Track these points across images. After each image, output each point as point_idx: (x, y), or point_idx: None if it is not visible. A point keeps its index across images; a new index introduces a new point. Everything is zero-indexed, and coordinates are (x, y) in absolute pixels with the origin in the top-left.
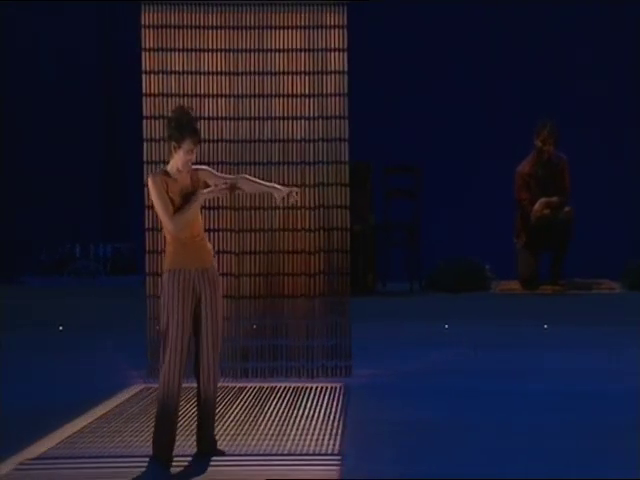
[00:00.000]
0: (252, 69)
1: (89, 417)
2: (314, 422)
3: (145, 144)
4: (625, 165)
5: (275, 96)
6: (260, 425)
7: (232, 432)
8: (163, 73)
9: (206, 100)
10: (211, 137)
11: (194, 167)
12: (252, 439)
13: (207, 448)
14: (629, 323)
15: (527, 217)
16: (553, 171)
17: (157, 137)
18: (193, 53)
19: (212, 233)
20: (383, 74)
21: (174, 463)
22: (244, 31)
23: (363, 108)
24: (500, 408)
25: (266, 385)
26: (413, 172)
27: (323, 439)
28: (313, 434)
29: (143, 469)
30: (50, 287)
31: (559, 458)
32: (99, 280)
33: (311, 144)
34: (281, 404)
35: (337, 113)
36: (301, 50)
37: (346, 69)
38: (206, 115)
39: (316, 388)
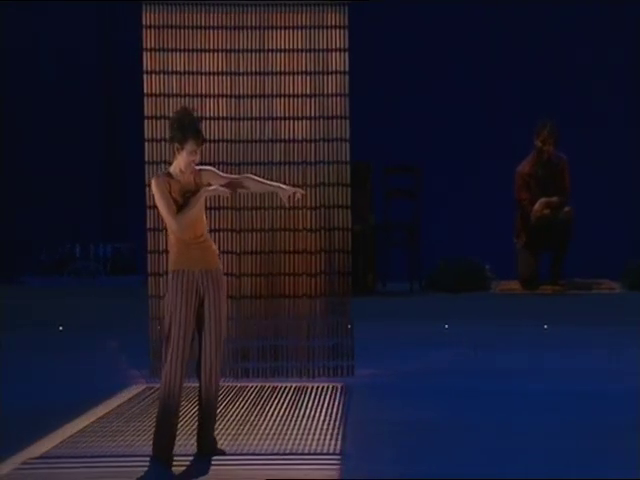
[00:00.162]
0: (253, 69)
1: (90, 417)
2: (314, 422)
3: (146, 144)
4: (625, 165)
5: (276, 96)
6: (261, 425)
7: (233, 432)
8: (164, 73)
9: (207, 100)
10: (212, 137)
11: (198, 168)
12: (253, 439)
13: (208, 448)
14: (629, 323)
15: (527, 217)
16: (553, 171)
17: (158, 137)
18: (194, 53)
19: (213, 233)
20: (383, 74)
21: (175, 463)
22: (245, 31)
23: (363, 108)
24: (500, 408)
25: (267, 385)
26: (413, 172)
27: (324, 439)
28: (314, 434)
29: (145, 469)
30: (50, 287)
31: (559, 458)
32: (99, 280)
33: (312, 144)
34: (282, 404)
35: (338, 113)
36: (302, 50)
37: (347, 69)
38: (207, 115)
39: (317, 388)
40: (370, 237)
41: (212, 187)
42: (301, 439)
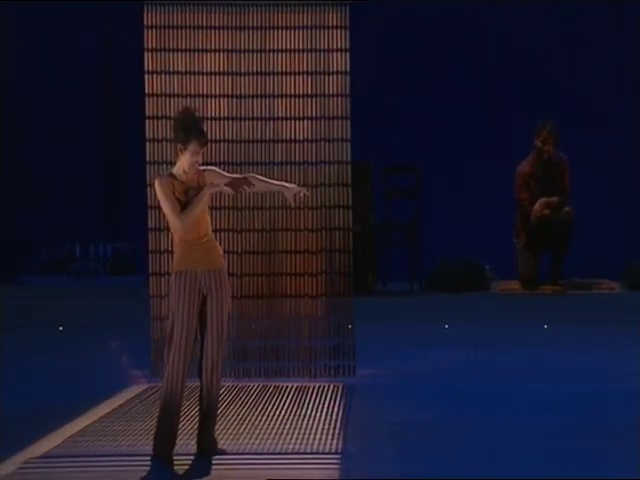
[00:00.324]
0: (254, 69)
1: (91, 417)
2: (315, 422)
3: (147, 144)
4: (625, 165)
5: (277, 96)
6: (261, 424)
7: (234, 431)
8: (165, 73)
9: (208, 100)
10: (213, 137)
11: (202, 168)
12: (254, 438)
13: (208, 447)
14: (629, 323)
15: (527, 217)
16: (553, 171)
17: (159, 137)
18: (195, 53)
19: (215, 233)
20: (383, 74)
21: (175, 462)
22: (246, 31)
23: (363, 108)
24: (500, 408)
25: (268, 384)
26: (413, 172)
27: (325, 439)
28: (314, 434)
29: (146, 468)
30: (50, 287)
31: (559, 458)
32: (99, 280)
33: (313, 144)
34: (283, 404)
35: (339, 113)
36: (303, 50)
37: (348, 69)
38: (208, 115)
39: (318, 388)
40: (370, 237)
41: (215, 185)
42: (302, 439)
